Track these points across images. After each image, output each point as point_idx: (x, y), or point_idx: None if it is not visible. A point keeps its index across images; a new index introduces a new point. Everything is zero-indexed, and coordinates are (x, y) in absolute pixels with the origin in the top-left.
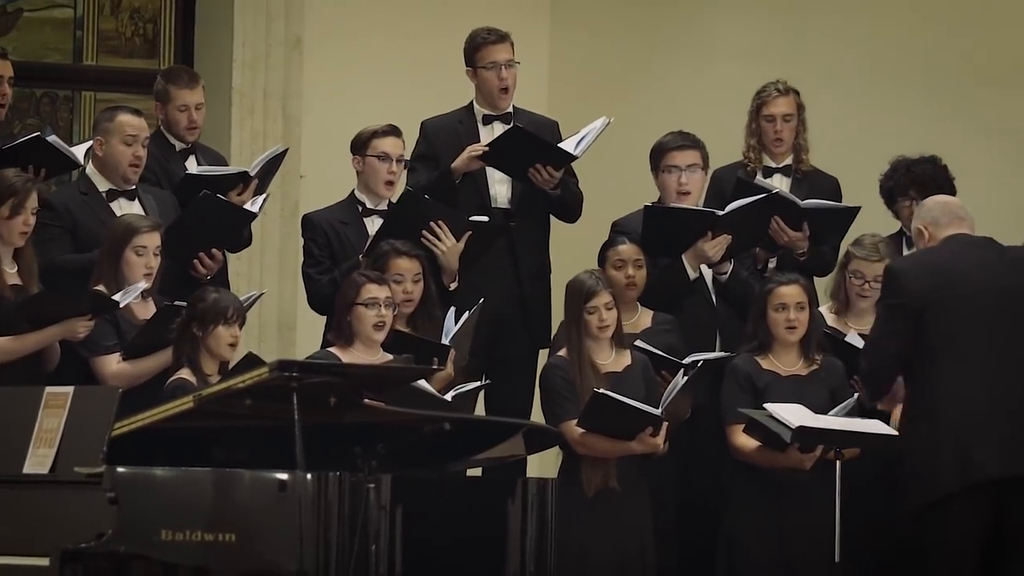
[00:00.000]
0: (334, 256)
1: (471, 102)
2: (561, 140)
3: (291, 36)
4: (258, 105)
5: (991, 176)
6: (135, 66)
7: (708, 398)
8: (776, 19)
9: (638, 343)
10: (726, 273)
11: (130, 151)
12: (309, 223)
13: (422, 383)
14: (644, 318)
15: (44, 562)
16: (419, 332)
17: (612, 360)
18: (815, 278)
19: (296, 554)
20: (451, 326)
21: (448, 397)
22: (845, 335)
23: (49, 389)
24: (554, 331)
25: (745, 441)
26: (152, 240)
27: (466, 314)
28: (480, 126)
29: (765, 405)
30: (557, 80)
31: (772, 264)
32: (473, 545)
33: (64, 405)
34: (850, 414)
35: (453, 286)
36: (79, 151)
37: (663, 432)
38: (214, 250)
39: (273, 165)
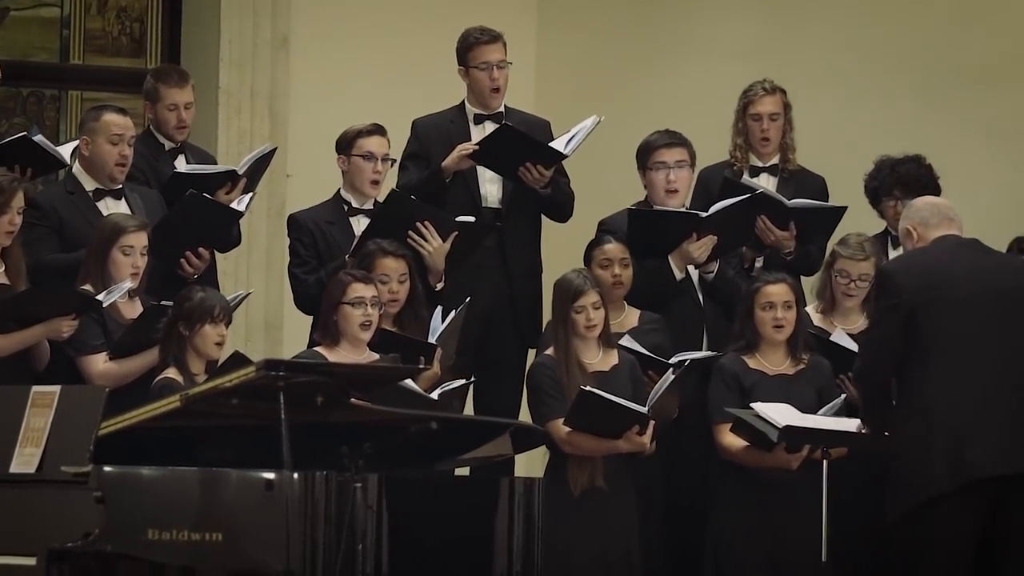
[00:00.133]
0: (320, 256)
1: (463, 101)
2: (553, 140)
3: (278, 35)
4: (245, 104)
5: (978, 176)
6: (122, 65)
7: (695, 397)
8: (763, 19)
9: (625, 343)
10: (712, 272)
11: (116, 150)
12: (295, 223)
13: (409, 382)
14: (631, 317)
15: (31, 561)
16: (406, 332)
17: (599, 359)
18: (802, 278)
19: (283, 553)
20: (437, 325)
21: (434, 396)
22: (831, 334)
23: (36, 388)
24: None
25: (732, 441)
26: (139, 240)
27: (452, 313)
28: (471, 125)
29: (752, 405)
30: (544, 80)
31: (759, 263)
32: (460, 544)
33: (51, 404)
34: (838, 414)
35: (439, 286)
36: (65, 150)
37: (650, 430)
38: (201, 249)
39: (261, 164)
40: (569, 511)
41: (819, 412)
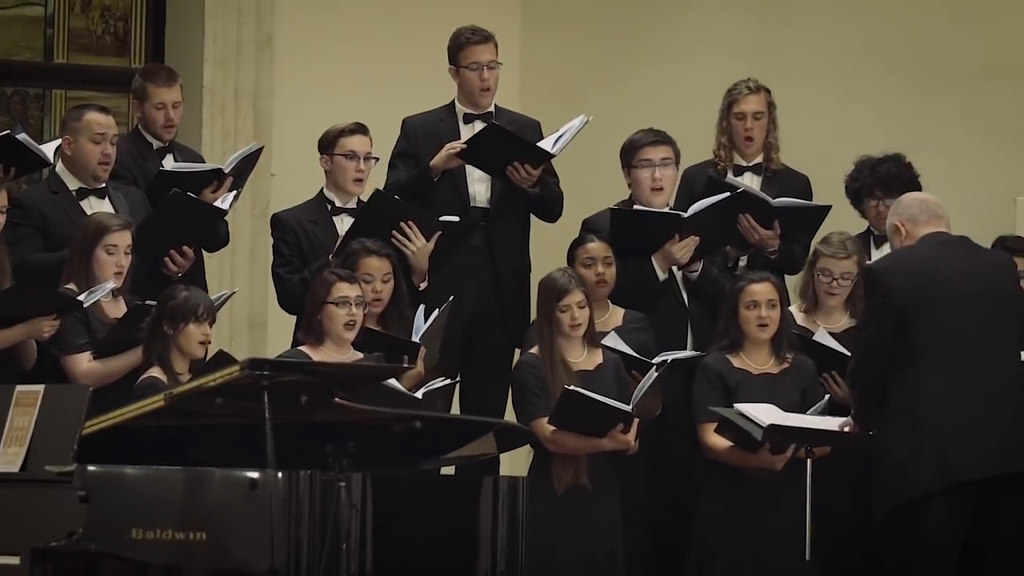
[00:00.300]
0: (304, 255)
1: (452, 100)
2: (542, 139)
3: (262, 34)
4: (229, 103)
5: (961, 174)
6: (106, 64)
7: (679, 396)
8: (747, 18)
9: (609, 342)
10: (696, 272)
11: (99, 149)
12: (278, 222)
13: (393, 381)
14: (615, 316)
15: (14, 560)
16: (389, 331)
17: (584, 358)
18: (785, 277)
19: (267, 553)
20: (420, 324)
21: (418, 395)
22: (814, 333)
23: (20, 387)
24: None
25: (717, 441)
26: (123, 239)
27: (436, 312)
28: (461, 125)
29: (736, 404)
30: (529, 79)
31: (743, 262)
32: (444, 543)
33: (35, 403)
34: (822, 414)
35: (423, 286)
36: (48, 149)
37: (634, 428)
38: (185, 248)
39: (248, 163)
40: (553, 510)
41: (808, 413)
